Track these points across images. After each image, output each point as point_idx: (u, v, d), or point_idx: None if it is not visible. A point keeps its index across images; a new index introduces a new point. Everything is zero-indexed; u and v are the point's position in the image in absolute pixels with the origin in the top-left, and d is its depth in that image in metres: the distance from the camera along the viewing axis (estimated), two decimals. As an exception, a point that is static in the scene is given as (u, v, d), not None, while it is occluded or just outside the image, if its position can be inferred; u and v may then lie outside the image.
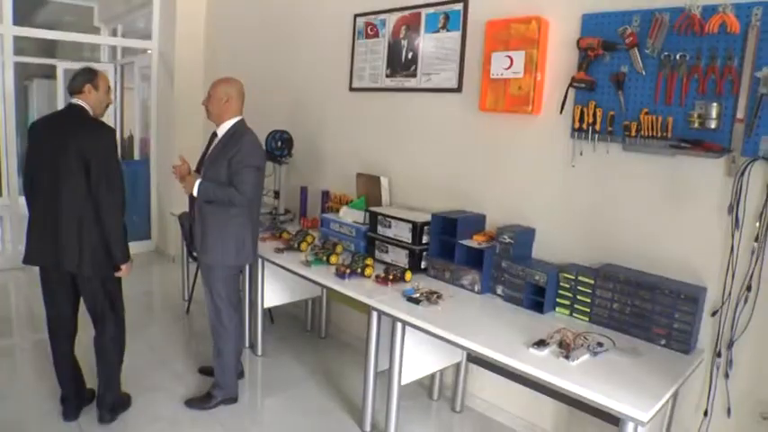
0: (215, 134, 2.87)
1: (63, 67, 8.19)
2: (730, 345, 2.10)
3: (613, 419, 1.99)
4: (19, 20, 5.10)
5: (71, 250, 2.45)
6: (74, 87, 2.55)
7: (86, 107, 2.55)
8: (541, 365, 1.92)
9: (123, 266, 2.57)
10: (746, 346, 2.08)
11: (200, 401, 2.91)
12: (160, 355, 3.52)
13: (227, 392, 2.94)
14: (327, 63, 3.88)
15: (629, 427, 1.74)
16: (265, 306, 3.51)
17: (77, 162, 2.41)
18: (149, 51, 5.86)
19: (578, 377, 1.85)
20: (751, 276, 2.03)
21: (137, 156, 7.19)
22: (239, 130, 2.79)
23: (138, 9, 7.13)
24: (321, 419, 2.91)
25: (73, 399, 2.70)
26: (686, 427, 2.22)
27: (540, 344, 2.04)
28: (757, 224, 2.01)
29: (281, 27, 4.33)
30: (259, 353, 3.58)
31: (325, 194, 3.89)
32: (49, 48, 9.31)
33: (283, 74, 4.33)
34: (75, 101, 2.55)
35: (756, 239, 2.01)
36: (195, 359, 3.46)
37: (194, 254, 3.96)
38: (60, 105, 7.94)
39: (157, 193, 5.82)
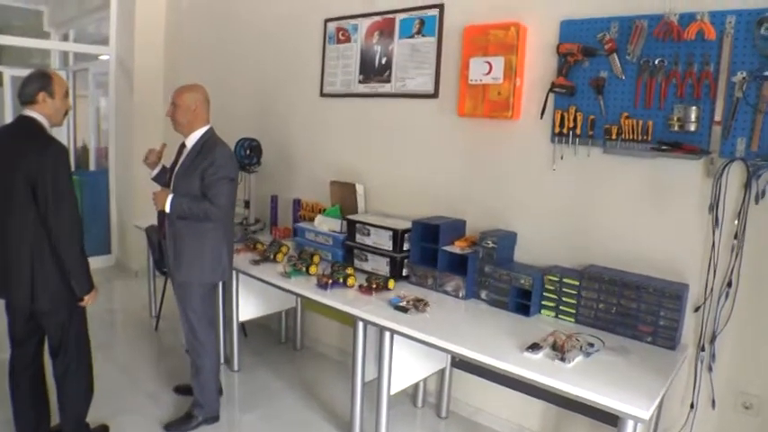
0: (183, 145, 2.74)
1: (10, 74, 7.79)
2: (713, 339, 2.16)
3: (608, 418, 2.03)
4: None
5: (23, 284, 2.21)
6: (25, 96, 2.24)
7: (40, 119, 2.26)
8: (538, 369, 1.92)
9: (86, 297, 2.35)
10: (728, 339, 2.15)
11: (180, 423, 2.79)
12: (131, 375, 3.37)
13: (207, 411, 2.82)
14: (297, 68, 3.81)
15: (629, 425, 1.76)
16: (240, 320, 3.41)
17: (24, 186, 2.15)
18: (105, 57, 5.65)
19: (575, 379, 1.86)
20: (731, 272, 2.10)
21: (92, 166, 6.90)
22: (210, 140, 2.67)
23: (91, 13, 6.86)
24: (306, 429, 2.85)
25: None
26: (673, 420, 2.28)
27: (534, 347, 2.04)
28: (736, 222, 2.08)
29: (248, 32, 4.23)
30: (235, 368, 3.47)
31: (297, 203, 3.82)
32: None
33: (250, 79, 4.24)
34: (26, 113, 2.25)
35: (735, 237, 2.08)
36: (168, 378, 3.32)
37: (164, 269, 3.83)
38: (9, 115, 7.58)
39: (117, 205, 5.60)
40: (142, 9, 5.13)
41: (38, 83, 2.27)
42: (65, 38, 8.15)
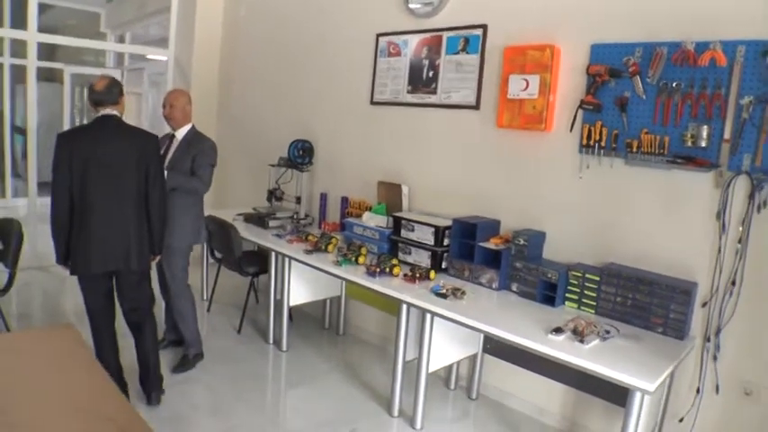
0: (173, 137, 3.37)
1: (70, 71, 8.38)
2: (718, 331, 2.45)
3: (620, 400, 2.34)
4: (18, 22, 5.27)
5: (140, 248, 2.76)
6: (112, 99, 2.74)
7: (121, 116, 2.80)
8: (560, 348, 2.25)
9: (158, 256, 2.99)
10: (732, 332, 2.43)
11: (181, 365, 3.41)
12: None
13: (196, 348, 3.48)
14: (349, 77, 4.16)
15: (637, 396, 2.07)
16: (291, 304, 3.78)
17: (139, 167, 2.74)
18: (161, 58, 6.08)
19: (592, 357, 2.18)
20: (736, 272, 2.39)
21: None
22: (197, 133, 3.39)
23: (149, 17, 7.36)
24: (350, 405, 3.20)
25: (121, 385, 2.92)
26: (681, 404, 2.57)
27: (558, 330, 2.37)
28: (740, 228, 2.37)
29: (303, 40, 4.59)
30: (284, 348, 3.84)
31: (345, 200, 4.18)
32: (50, 51, 9.45)
33: (304, 85, 4.59)
34: (110, 111, 2.75)
35: (740, 241, 2.37)
36: (220, 353, 3.70)
37: (218, 256, 4.26)
38: (67, 109, 8.13)
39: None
40: (202, 15, 5.56)
41: (118, 87, 2.82)
42: (121, 39, 8.69)
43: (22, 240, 3.39)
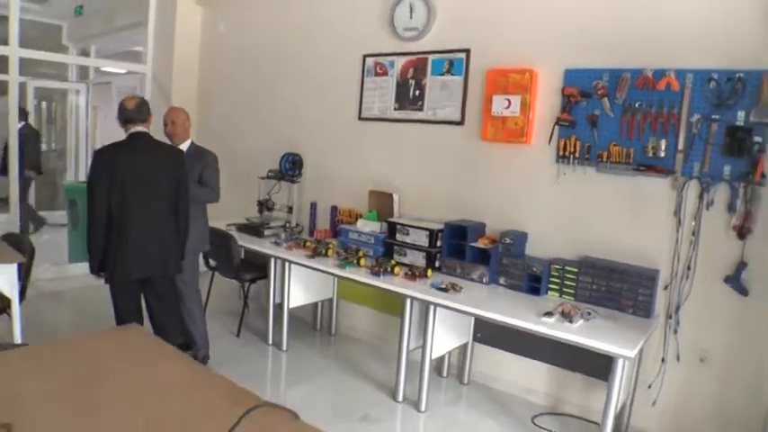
0: None
1: (34, 85, 8.27)
2: (677, 309, 2.92)
3: (599, 373, 2.77)
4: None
5: (176, 254, 3.03)
6: (141, 117, 3.00)
7: (149, 133, 3.06)
8: (553, 328, 2.66)
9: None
10: (689, 309, 2.92)
11: None
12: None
13: (204, 351, 3.69)
14: (337, 95, 4.47)
15: (619, 363, 2.50)
16: (290, 307, 4.05)
17: (170, 179, 3.02)
18: (120, 71, 6.14)
19: (581, 334, 2.60)
20: (690, 259, 2.87)
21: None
22: (199, 147, 3.65)
23: (116, 32, 7.40)
24: (357, 395, 3.51)
25: None
26: (650, 371, 3.03)
27: (549, 314, 2.78)
28: (693, 223, 2.86)
29: (288, 59, 4.85)
30: (284, 348, 4.10)
31: (334, 209, 4.48)
32: (3, 63, 9.22)
33: (293, 102, 4.85)
34: (141, 129, 2.99)
35: (693, 234, 2.85)
36: (219, 355, 3.89)
37: (210, 262, 4.47)
38: (32, 123, 8.01)
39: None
40: (181, 30, 5.72)
41: (146, 106, 3.07)
42: (84, 52, 8.65)
43: (33, 254, 3.52)
